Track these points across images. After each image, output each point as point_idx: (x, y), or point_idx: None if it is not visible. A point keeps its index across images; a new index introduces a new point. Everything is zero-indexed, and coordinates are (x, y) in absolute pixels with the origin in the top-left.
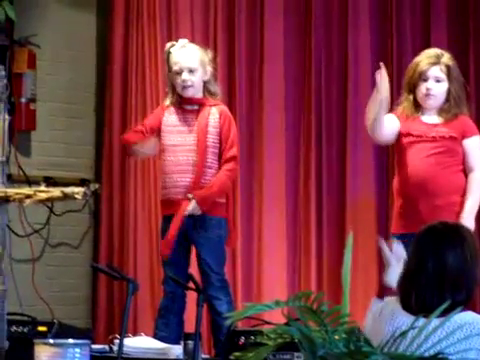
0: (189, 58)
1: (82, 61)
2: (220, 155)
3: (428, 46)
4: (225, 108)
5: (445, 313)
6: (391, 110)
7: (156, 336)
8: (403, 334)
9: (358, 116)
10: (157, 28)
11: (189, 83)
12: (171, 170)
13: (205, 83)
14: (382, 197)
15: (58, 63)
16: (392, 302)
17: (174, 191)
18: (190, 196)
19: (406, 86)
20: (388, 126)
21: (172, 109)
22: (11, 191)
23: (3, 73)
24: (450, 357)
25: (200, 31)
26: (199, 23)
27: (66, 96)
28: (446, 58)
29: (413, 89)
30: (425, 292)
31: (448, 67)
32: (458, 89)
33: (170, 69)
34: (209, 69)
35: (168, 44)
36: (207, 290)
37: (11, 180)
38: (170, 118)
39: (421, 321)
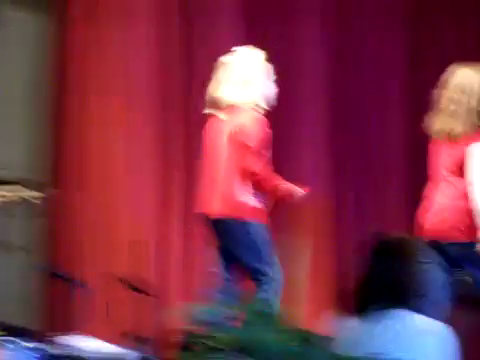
0: None
1: (31, 60)
2: None
3: None
4: None
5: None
6: None
7: None
8: (355, 338)
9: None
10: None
11: None
12: None
13: None
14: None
15: (5, 63)
16: (344, 319)
17: None
18: None
19: None
20: None
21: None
22: None
23: None
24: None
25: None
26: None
27: (16, 95)
28: None
29: None
30: (374, 300)
31: None
32: None
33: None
34: None
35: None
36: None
37: None
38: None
39: (373, 326)
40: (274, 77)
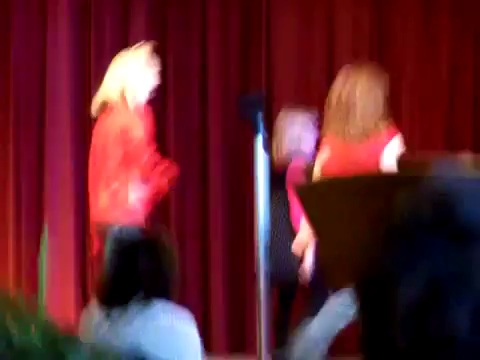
0: None
1: None
2: None
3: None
4: None
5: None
6: None
7: None
8: (100, 326)
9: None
10: None
11: None
12: None
13: None
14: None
15: None
16: (90, 307)
17: None
18: None
19: None
20: None
21: None
22: None
23: None
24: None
25: None
26: None
27: None
28: None
29: None
30: (119, 290)
31: None
32: None
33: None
34: None
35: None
36: None
37: None
38: None
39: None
40: (156, 68)
